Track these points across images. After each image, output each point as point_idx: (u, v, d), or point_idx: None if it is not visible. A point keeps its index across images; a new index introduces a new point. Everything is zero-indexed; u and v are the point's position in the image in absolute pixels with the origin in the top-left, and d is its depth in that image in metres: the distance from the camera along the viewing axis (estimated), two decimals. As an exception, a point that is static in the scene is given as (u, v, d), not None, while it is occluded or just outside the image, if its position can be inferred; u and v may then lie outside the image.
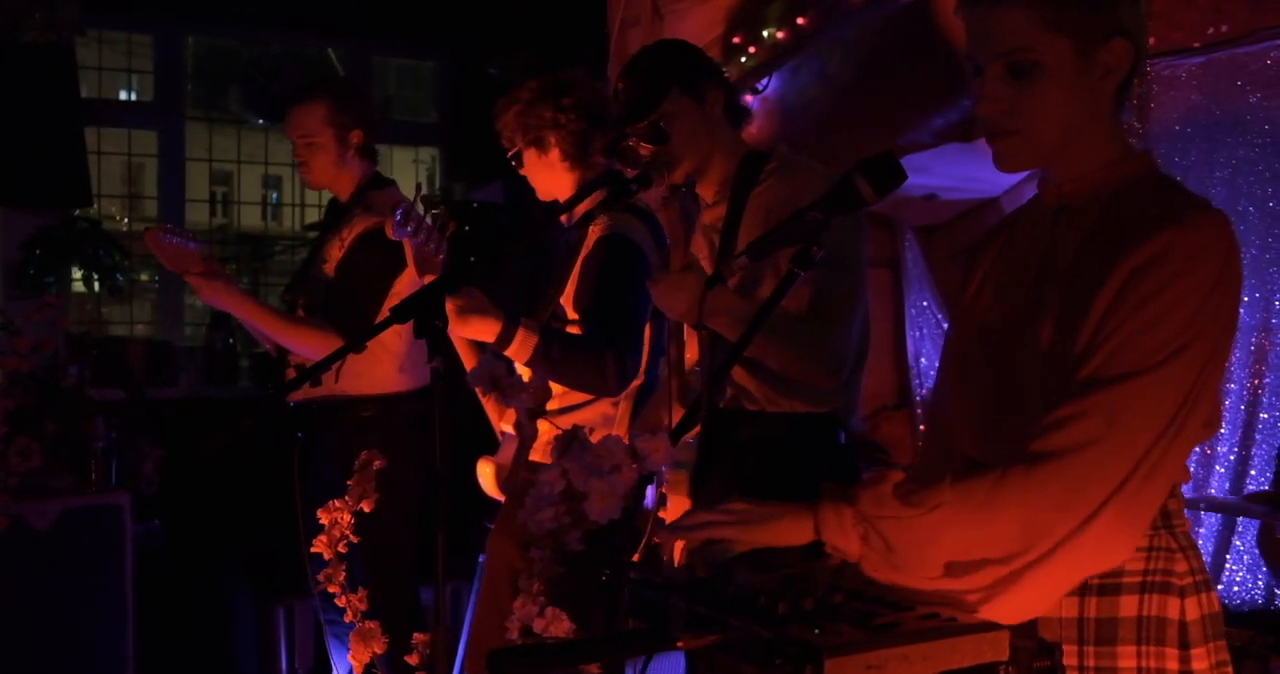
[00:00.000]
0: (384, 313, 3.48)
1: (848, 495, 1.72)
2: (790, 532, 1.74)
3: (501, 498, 3.45)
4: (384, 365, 3.89)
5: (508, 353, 3.06)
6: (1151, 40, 3.87)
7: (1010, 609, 1.70)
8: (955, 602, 1.69)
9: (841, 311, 2.77)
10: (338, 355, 2.34)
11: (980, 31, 1.80)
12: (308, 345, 3.80)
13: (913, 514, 1.68)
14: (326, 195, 4.38)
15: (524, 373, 3.31)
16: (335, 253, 3.96)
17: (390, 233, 2.99)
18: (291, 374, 3.98)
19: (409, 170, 8.56)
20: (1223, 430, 4.20)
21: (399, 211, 2.93)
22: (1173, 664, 1.75)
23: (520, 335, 3.01)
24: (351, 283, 3.90)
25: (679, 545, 2.54)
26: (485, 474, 3.44)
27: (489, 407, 3.48)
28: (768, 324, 2.69)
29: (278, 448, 3.96)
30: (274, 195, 9.91)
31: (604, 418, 3.31)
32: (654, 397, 3.22)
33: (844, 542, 1.71)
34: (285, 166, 7.95)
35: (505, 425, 3.43)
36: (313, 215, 7.73)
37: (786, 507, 1.76)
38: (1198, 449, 4.23)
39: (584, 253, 3.28)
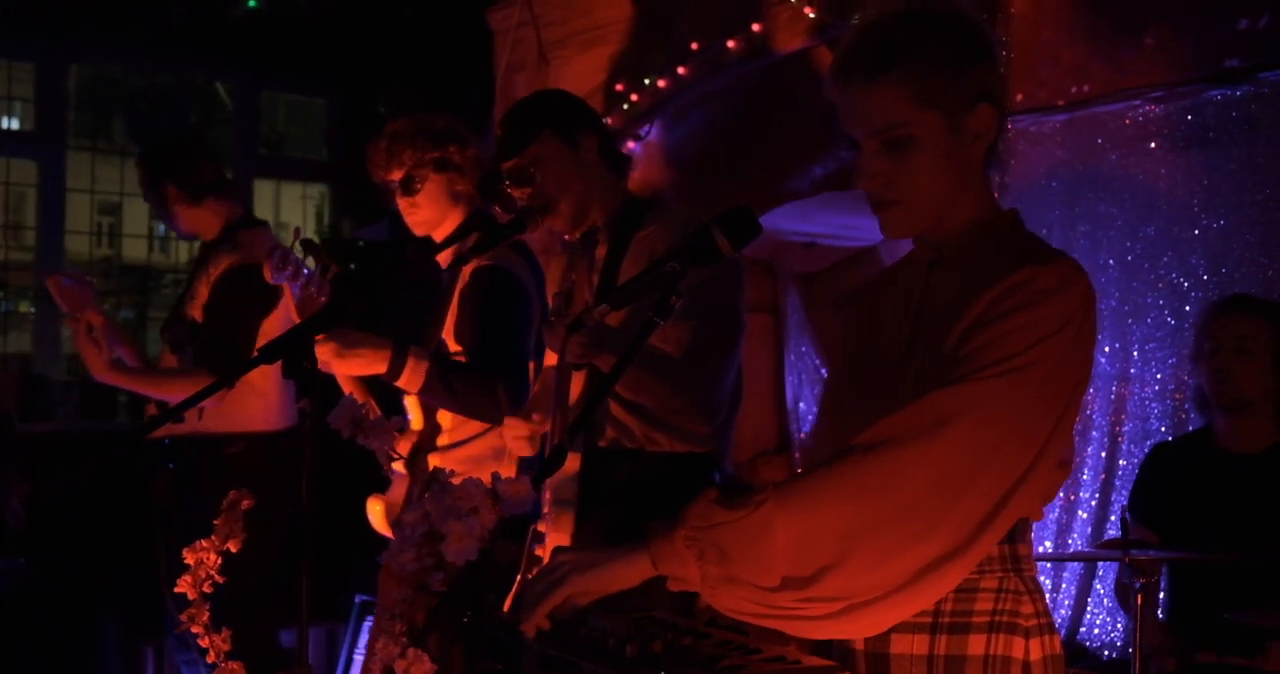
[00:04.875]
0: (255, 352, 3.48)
1: (673, 522, 1.72)
2: (625, 573, 1.72)
3: (392, 535, 3.43)
4: (249, 405, 3.88)
5: (400, 383, 3.05)
6: (1018, 97, 4.02)
7: (856, 624, 1.74)
8: (800, 620, 1.71)
9: (712, 361, 2.82)
10: (205, 393, 2.33)
11: (854, 110, 1.86)
12: (181, 395, 3.78)
13: (740, 515, 1.68)
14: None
15: (414, 409, 3.31)
16: (202, 291, 3.94)
17: (268, 276, 2.98)
18: (153, 410, 3.96)
19: (298, 206, 8.51)
20: (1084, 477, 4.33)
21: (276, 255, 2.93)
22: (1015, 702, 1.80)
23: (410, 364, 3.01)
24: (219, 322, 3.88)
25: None
26: (375, 512, 3.43)
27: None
28: (647, 363, 2.74)
29: (147, 483, 3.92)
30: (161, 227, 9.77)
31: (494, 450, 3.31)
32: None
33: (681, 568, 1.70)
34: (171, 199, 7.84)
35: (395, 464, 3.42)
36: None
37: (616, 549, 1.75)
38: (1061, 495, 4.35)
39: (460, 285, 3.30)
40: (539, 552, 2.89)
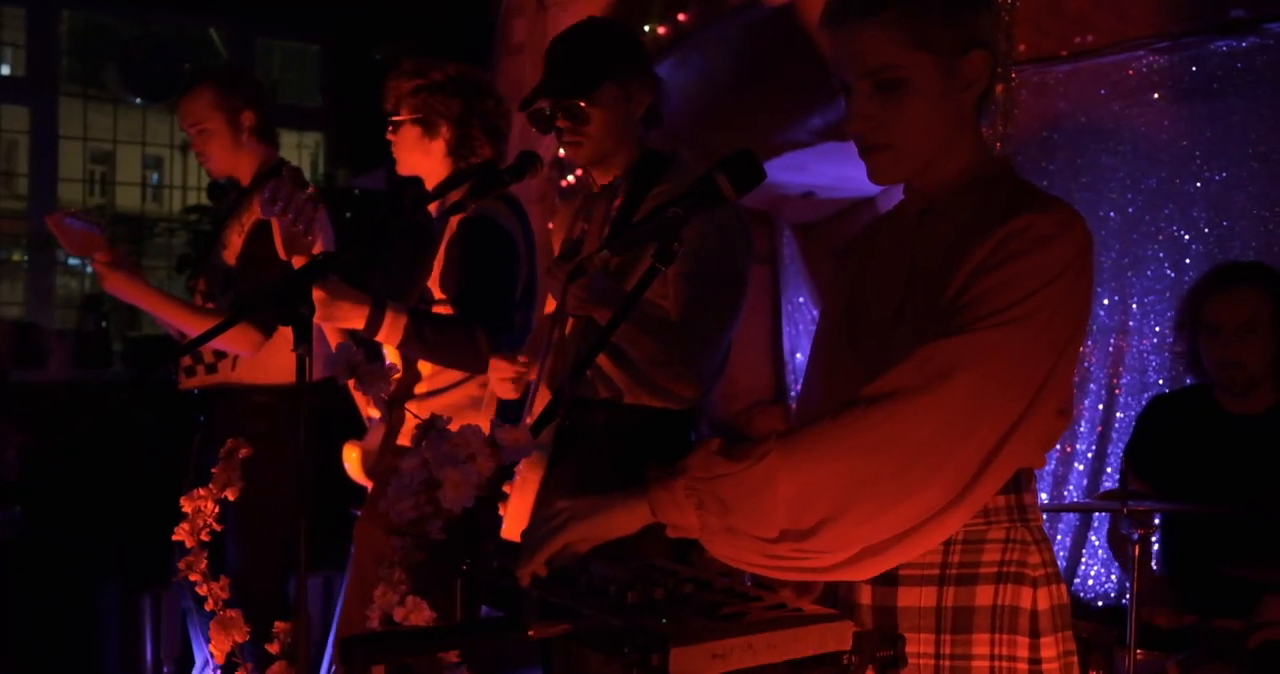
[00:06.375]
0: None
1: (675, 470, 1.71)
2: (624, 520, 1.71)
3: (368, 483, 3.44)
4: (284, 355, 3.84)
5: (379, 337, 3.05)
6: (1021, 46, 3.98)
7: (856, 571, 1.74)
8: (800, 570, 1.71)
9: (710, 327, 2.80)
10: (218, 330, 2.34)
11: (845, 51, 1.83)
12: (220, 337, 3.75)
13: (742, 467, 1.67)
14: (209, 178, 4.32)
15: (393, 356, 3.30)
16: (235, 239, 3.90)
17: (259, 210, 2.97)
18: (188, 362, 3.93)
19: (293, 154, 8.46)
20: (1081, 429, 4.33)
21: (268, 189, 2.90)
22: (1023, 651, 1.80)
23: (389, 318, 3.01)
24: (255, 270, 3.84)
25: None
26: (351, 459, 3.42)
27: (356, 391, 3.47)
28: (640, 318, 2.73)
29: (156, 433, 3.91)
30: (155, 176, 9.72)
31: (471, 400, 3.32)
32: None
33: (680, 517, 1.69)
34: (165, 147, 7.82)
35: (372, 411, 3.42)
36: (195, 198, 7.62)
37: (615, 496, 1.73)
38: (1058, 447, 4.36)
39: (448, 235, 3.29)
40: (506, 489, 2.89)
